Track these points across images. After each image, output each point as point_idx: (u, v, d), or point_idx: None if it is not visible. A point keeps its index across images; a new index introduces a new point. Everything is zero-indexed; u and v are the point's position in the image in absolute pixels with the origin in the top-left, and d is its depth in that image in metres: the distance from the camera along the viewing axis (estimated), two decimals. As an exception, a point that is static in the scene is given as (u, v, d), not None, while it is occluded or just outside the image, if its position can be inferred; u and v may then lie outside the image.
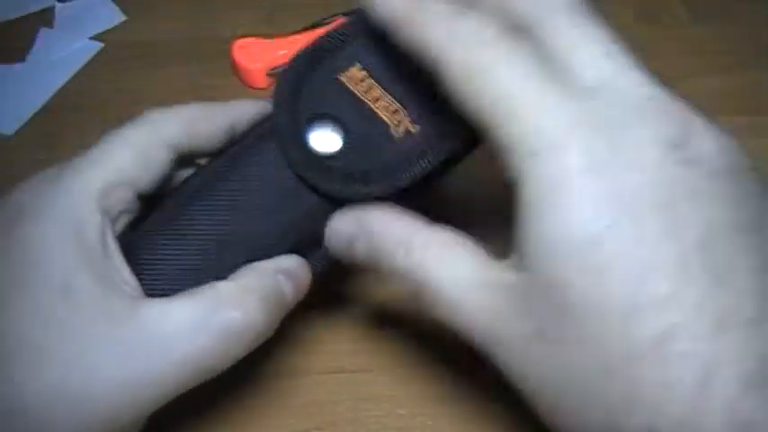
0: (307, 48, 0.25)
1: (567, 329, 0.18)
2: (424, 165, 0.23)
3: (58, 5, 0.45)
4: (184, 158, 0.25)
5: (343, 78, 0.24)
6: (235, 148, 0.25)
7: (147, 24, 0.44)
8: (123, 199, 0.23)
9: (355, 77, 0.24)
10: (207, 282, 0.23)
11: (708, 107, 0.39)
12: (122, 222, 0.23)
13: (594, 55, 0.20)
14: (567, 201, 0.18)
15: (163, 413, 0.24)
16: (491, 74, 0.19)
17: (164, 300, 0.22)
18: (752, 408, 0.16)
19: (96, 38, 0.43)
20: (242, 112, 0.26)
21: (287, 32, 0.41)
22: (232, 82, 0.40)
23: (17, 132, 0.38)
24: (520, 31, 0.20)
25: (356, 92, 0.24)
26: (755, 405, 0.16)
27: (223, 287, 0.22)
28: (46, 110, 0.39)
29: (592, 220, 0.18)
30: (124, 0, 0.45)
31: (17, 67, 0.41)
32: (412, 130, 0.24)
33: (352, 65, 0.24)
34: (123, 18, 0.44)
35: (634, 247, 0.17)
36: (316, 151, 0.24)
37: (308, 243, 0.25)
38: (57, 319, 0.20)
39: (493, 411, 0.27)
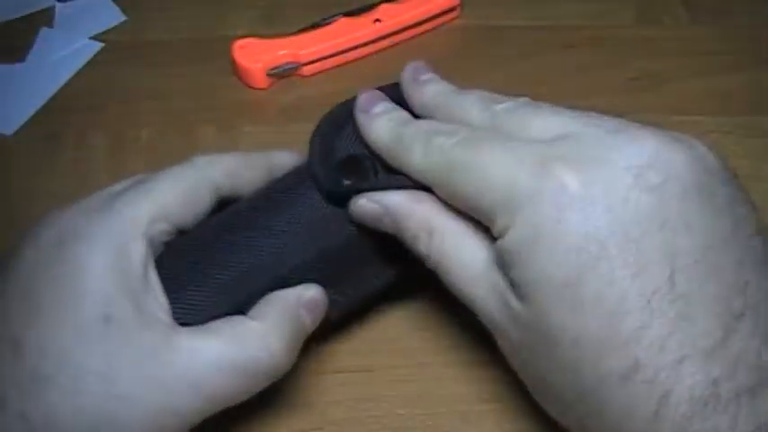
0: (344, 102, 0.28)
1: (549, 353, 0.21)
2: None
3: (59, 5, 0.45)
4: (224, 200, 0.26)
5: None
6: (271, 185, 0.27)
7: (147, 24, 0.44)
8: (165, 232, 0.24)
9: None
10: (232, 306, 0.24)
11: (708, 107, 0.39)
12: (158, 253, 0.24)
13: (547, 119, 0.22)
14: (543, 249, 0.20)
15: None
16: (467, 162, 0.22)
17: (195, 333, 0.23)
18: (700, 426, 0.18)
19: (96, 38, 0.43)
20: (280, 162, 0.28)
21: (287, 32, 0.41)
22: (232, 82, 0.40)
23: (17, 132, 0.38)
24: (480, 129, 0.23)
25: None
26: (702, 424, 0.18)
27: (250, 325, 0.24)
28: (46, 110, 0.39)
29: (565, 265, 0.19)
30: (124, 0, 0.45)
31: (17, 66, 0.41)
32: None
33: None
34: (123, 18, 0.44)
35: (606, 287, 0.19)
36: (348, 184, 0.26)
37: (332, 277, 0.26)
38: (96, 346, 0.21)
39: (492, 411, 0.27)
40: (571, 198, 0.20)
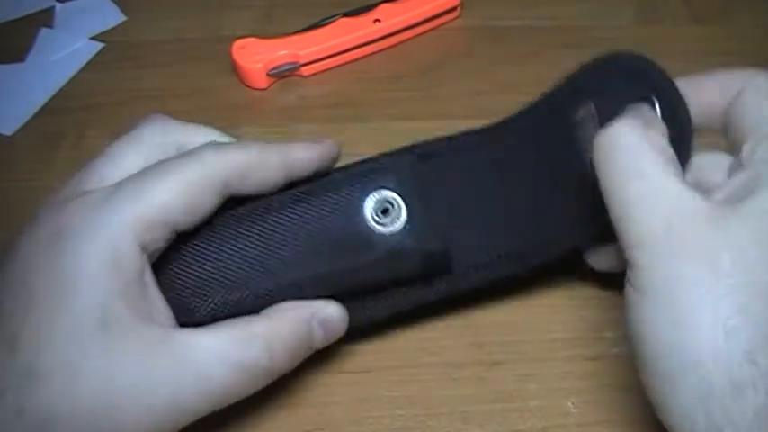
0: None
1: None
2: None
3: (58, 6, 0.45)
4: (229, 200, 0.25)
5: None
6: (303, 186, 0.26)
7: (147, 24, 0.44)
8: (163, 237, 0.23)
9: None
10: (241, 310, 0.24)
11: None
12: (156, 255, 0.24)
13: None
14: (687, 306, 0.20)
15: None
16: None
17: (196, 331, 0.23)
18: None
19: (96, 38, 0.43)
20: (299, 159, 0.26)
21: (287, 32, 0.41)
22: (232, 82, 0.40)
23: (17, 132, 0.38)
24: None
25: None
26: None
27: (256, 326, 0.24)
28: (46, 110, 0.39)
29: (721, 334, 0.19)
30: (124, 0, 0.45)
31: (17, 67, 0.41)
32: None
33: None
34: (123, 18, 0.44)
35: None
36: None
37: (353, 294, 0.26)
38: (92, 347, 0.21)
39: (491, 412, 0.27)
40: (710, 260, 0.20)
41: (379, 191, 0.26)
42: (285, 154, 0.26)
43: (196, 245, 0.25)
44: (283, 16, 0.44)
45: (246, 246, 0.25)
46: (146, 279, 0.23)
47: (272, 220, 0.26)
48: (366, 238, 0.26)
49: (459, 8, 0.43)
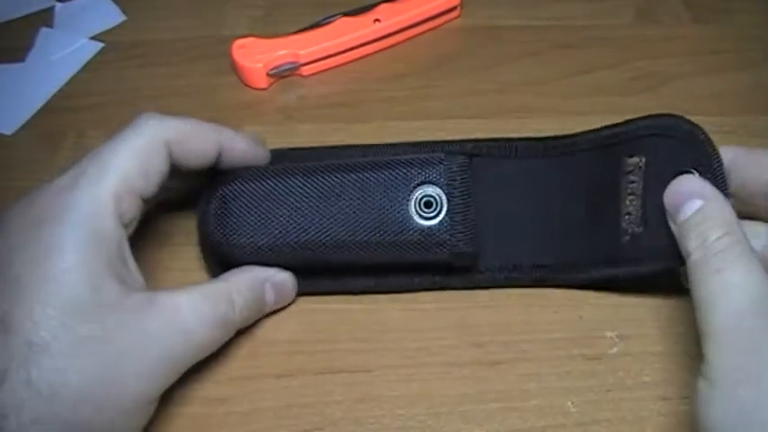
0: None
1: None
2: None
3: (58, 5, 0.45)
4: (173, 172, 0.27)
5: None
6: (364, 159, 0.30)
7: (146, 24, 0.44)
8: (133, 206, 0.26)
9: None
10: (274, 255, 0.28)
11: (709, 107, 0.39)
12: (133, 225, 0.26)
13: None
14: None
15: (164, 414, 0.24)
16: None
17: (173, 292, 0.25)
18: None
19: (96, 38, 0.43)
20: (230, 144, 0.29)
21: (287, 32, 0.41)
22: (232, 82, 0.40)
23: (16, 132, 0.38)
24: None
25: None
26: None
27: (221, 285, 0.27)
28: (45, 110, 0.39)
29: None
30: (124, 0, 0.45)
31: (17, 67, 0.41)
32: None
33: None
34: (123, 18, 0.44)
35: None
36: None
37: (375, 267, 0.30)
38: (88, 313, 0.23)
39: (491, 412, 0.27)
40: None
41: (429, 185, 0.28)
42: (219, 132, 0.28)
43: (260, 185, 0.29)
44: (283, 16, 0.44)
45: (302, 196, 0.28)
46: (124, 250, 0.25)
47: (331, 179, 0.29)
48: (405, 222, 0.28)
49: (458, 8, 0.43)
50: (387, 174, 0.28)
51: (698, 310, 0.23)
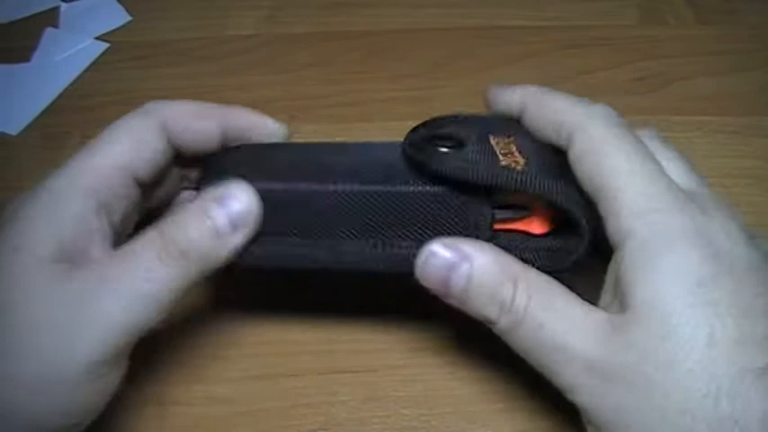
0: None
1: (648, 372, 0.19)
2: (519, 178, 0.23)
3: (63, 5, 0.45)
4: (179, 157, 0.26)
5: (492, 139, 0.25)
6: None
7: (151, 24, 0.44)
8: (120, 183, 0.24)
9: (501, 143, 0.25)
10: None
11: (713, 107, 0.39)
12: (123, 205, 0.25)
13: (683, 169, 0.23)
14: (674, 252, 0.20)
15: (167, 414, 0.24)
16: (614, 148, 0.22)
17: (125, 247, 0.23)
18: None
19: (101, 38, 0.43)
20: (236, 119, 0.27)
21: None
22: (235, 81, 0.40)
23: (22, 132, 0.38)
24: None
25: (495, 147, 0.25)
26: None
27: (162, 224, 0.24)
28: (50, 110, 0.39)
29: (698, 268, 0.19)
30: (129, 0, 0.45)
31: (22, 67, 0.41)
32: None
33: (507, 136, 0.25)
34: (128, 18, 0.44)
35: (731, 298, 0.19)
36: (436, 147, 0.25)
37: (384, 225, 0.24)
38: (47, 278, 0.22)
39: (496, 412, 0.27)
40: (696, 223, 0.20)
41: None
42: (222, 108, 0.27)
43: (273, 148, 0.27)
44: (288, 16, 0.44)
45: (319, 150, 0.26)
46: (87, 224, 0.23)
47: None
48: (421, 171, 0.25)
49: None
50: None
51: (544, 370, 0.21)
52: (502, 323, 0.22)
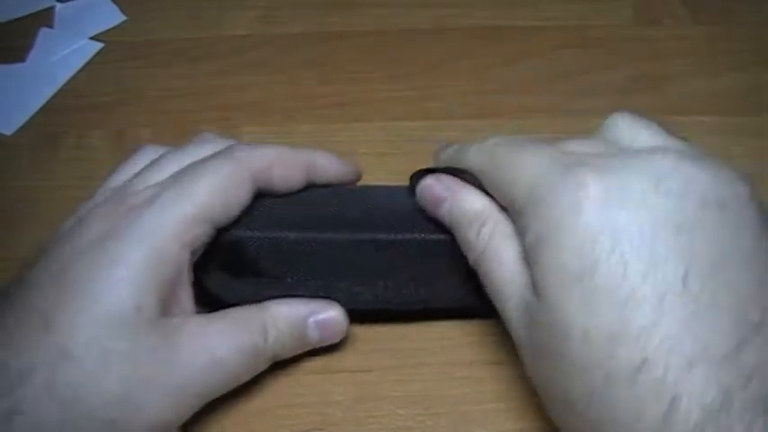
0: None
1: (560, 350, 0.21)
2: None
3: (58, 5, 0.45)
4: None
5: None
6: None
7: (146, 24, 0.44)
8: (205, 234, 0.25)
9: None
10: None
11: (709, 108, 0.39)
12: (197, 255, 0.26)
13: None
14: (559, 240, 0.21)
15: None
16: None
17: (205, 318, 0.25)
18: None
19: (96, 38, 0.43)
20: (320, 164, 0.28)
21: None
22: (232, 82, 0.40)
23: (17, 132, 0.38)
24: None
25: None
26: None
27: (256, 314, 0.26)
28: (46, 110, 0.39)
29: (579, 256, 0.20)
30: (124, 0, 0.45)
31: (17, 67, 0.41)
32: None
33: None
34: (123, 18, 0.44)
35: (618, 279, 0.19)
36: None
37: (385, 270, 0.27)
38: (123, 331, 0.23)
39: (491, 412, 0.27)
40: (589, 194, 0.21)
41: None
42: (309, 156, 0.28)
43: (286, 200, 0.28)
44: (282, 16, 0.44)
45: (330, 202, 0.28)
46: (183, 276, 0.25)
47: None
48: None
49: None
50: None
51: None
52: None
